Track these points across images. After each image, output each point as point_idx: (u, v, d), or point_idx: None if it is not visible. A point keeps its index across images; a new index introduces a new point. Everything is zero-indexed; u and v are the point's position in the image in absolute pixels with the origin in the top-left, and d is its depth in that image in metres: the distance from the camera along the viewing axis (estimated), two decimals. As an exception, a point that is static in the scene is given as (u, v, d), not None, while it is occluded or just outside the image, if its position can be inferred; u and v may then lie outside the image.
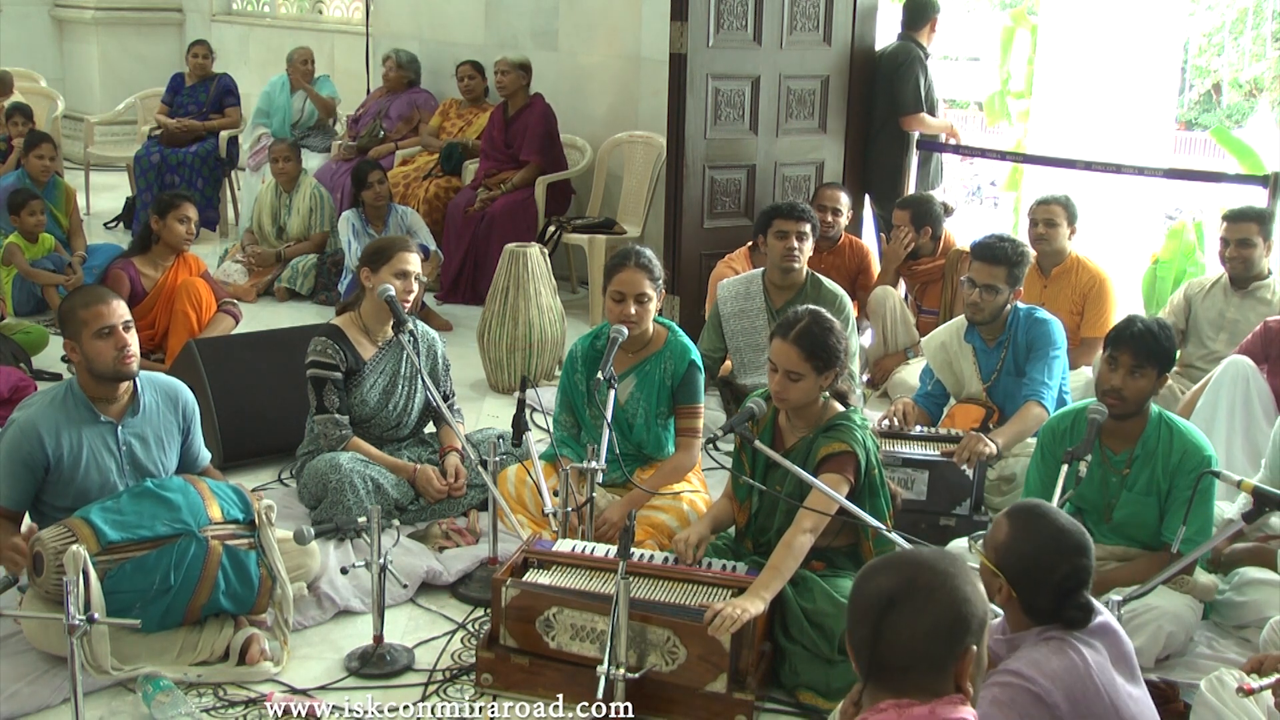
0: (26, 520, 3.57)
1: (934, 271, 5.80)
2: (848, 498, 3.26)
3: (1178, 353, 3.67)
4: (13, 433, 3.44)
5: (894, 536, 3.23)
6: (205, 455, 3.82)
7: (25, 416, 3.47)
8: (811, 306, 3.52)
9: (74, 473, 3.47)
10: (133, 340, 3.47)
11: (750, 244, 5.67)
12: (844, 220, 5.92)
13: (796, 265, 4.92)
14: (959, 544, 3.59)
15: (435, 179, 7.68)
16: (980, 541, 2.61)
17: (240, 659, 3.32)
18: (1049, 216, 5.20)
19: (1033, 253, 4.87)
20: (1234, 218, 4.96)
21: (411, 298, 4.28)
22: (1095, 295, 5.19)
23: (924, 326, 5.61)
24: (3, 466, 3.44)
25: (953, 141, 6.85)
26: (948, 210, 5.93)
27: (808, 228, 4.92)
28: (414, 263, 4.26)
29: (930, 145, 6.73)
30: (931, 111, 6.55)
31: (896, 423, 4.47)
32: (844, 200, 5.92)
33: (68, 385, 3.53)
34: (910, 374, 5.42)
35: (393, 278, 4.17)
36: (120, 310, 3.47)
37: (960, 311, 4.64)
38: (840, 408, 3.49)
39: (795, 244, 4.89)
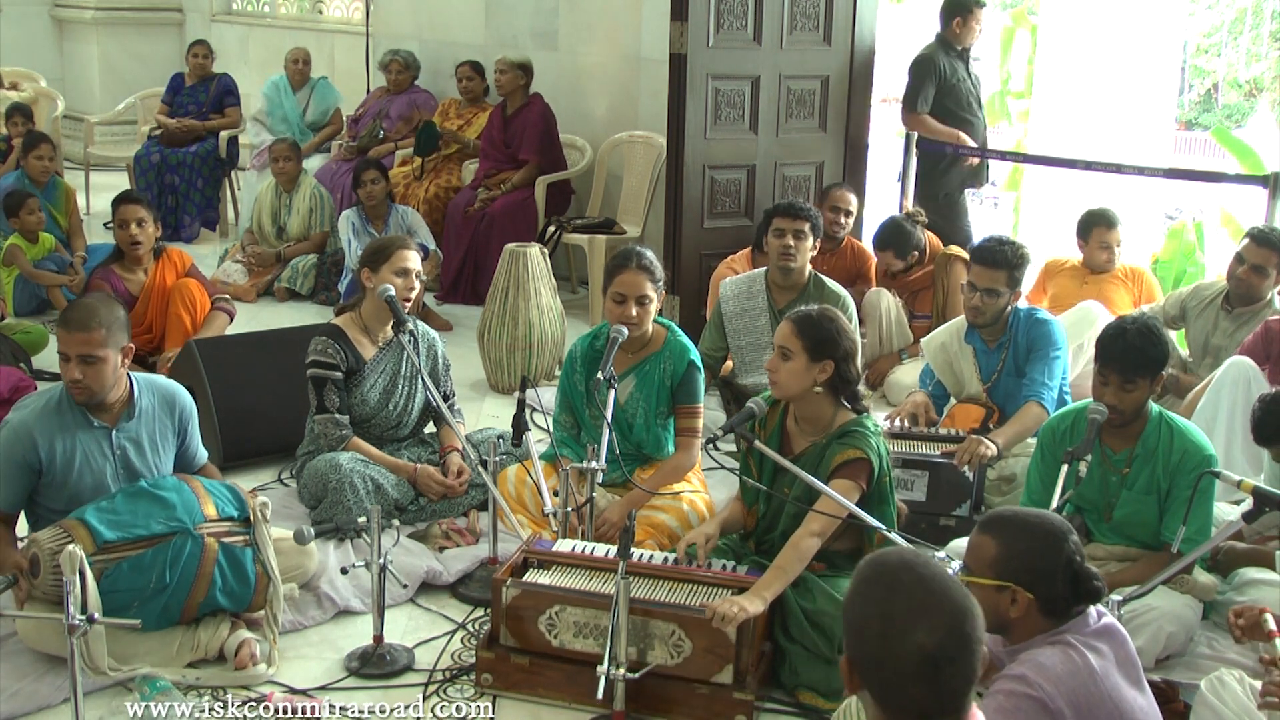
0: (22, 523, 3.56)
1: (923, 279, 5.78)
2: (857, 504, 3.25)
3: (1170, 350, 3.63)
4: (6, 434, 3.44)
5: (894, 537, 3.23)
6: (202, 455, 3.81)
7: (19, 418, 3.46)
8: (824, 305, 3.52)
9: (66, 476, 3.45)
10: (91, 374, 3.37)
11: (753, 245, 5.67)
12: (852, 221, 5.93)
13: (793, 264, 4.91)
14: (959, 544, 3.58)
15: (433, 179, 7.68)
16: (961, 571, 2.59)
17: (233, 663, 3.32)
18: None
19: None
20: (1258, 240, 4.79)
21: (413, 295, 4.28)
22: (1144, 287, 5.47)
23: (917, 331, 5.61)
24: None
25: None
26: (916, 219, 5.88)
27: (806, 226, 4.91)
28: (414, 260, 4.26)
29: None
30: (967, 108, 6.44)
31: (907, 423, 4.46)
32: (854, 201, 5.93)
33: (63, 390, 3.50)
34: (907, 374, 5.42)
35: (393, 275, 4.17)
36: (83, 343, 3.35)
37: (953, 313, 4.64)
38: (853, 414, 3.48)
39: (792, 242, 4.89)
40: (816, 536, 3.26)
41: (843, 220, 5.82)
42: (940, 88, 6.42)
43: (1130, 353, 3.42)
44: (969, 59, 6.52)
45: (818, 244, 5.03)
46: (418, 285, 4.32)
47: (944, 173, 6.48)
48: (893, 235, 5.76)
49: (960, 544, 3.56)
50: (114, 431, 3.52)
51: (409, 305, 4.22)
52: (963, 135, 6.65)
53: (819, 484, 3.23)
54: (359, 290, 4.38)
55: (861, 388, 5.01)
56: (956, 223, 6.54)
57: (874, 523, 3.21)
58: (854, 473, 3.32)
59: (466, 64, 7.90)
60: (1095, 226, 5.54)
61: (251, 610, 3.44)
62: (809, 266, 5.00)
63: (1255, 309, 4.82)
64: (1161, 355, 3.49)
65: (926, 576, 1.88)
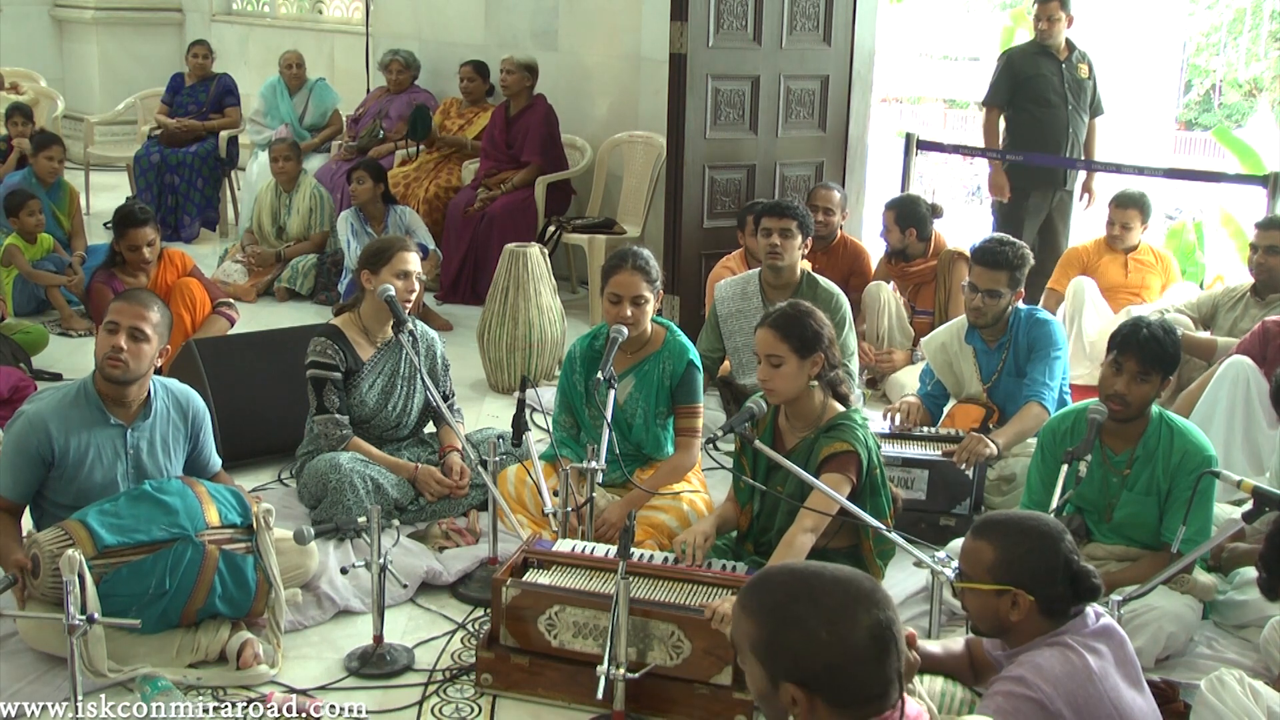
0: (27, 519, 3.57)
1: (926, 273, 5.78)
2: (849, 497, 3.26)
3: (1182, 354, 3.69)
4: (21, 424, 3.45)
5: (894, 537, 3.23)
6: (215, 462, 3.82)
7: (35, 410, 3.47)
8: (792, 300, 3.54)
9: (77, 471, 3.47)
10: (132, 350, 3.43)
11: (744, 249, 5.67)
12: (838, 219, 5.92)
13: (781, 263, 4.92)
14: (959, 544, 3.58)
15: (434, 179, 7.68)
16: (956, 578, 2.60)
17: (236, 664, 3.32)
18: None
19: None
20: (1265, 224, 5.00)
21: (413, 298, 4.28)
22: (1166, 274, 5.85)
23: (918, 328, 5.61)
24: (8, 457, 3.45)
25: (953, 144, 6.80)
26: (937, 212, 5.92)
27: (792, 225, 4.91)
28: (414, 262, 4.26)
29: (931, 146, 6.74)
30: (1044, 104, 6.34)
31: (899, 420, 4.47)
32: (837, 199, 5.92)
33: (82, 384, 3.53)
34: (908, 374, 5.42)
35: (394, 278, 4.17)
36: (136, 316, 3.45)
37: (955, 311, 4.64)
38: (841, 408, 3.49)
39: (779, 241, 4.89)
40: (810, 532, 3.27)
41: (822, 218, 5.80)
42: (1016, 82, 6.39)
43: (1150, 343, 3.44)
44: (1061, 55, 6.36)
45: (808, 243, 5.03)
46: (418, 286, 4.33)
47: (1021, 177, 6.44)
48: (902, 203, 5.82)
49: (960, 544, 3.56)
50: (129, 430, 3.53)
51: (410, 306, 4.22)
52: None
53: (811, 478, 3.24)
54: (359, 290, 4.38)
55: (862, 388, 5.01)
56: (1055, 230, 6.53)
57: (868, 519, 3.21)
58: (842, 465, 3.33)
59: (469, 64, 7.89)
60: (1110, 203, 5.88)
61: (251, 616, 3.44)
62: (800, 265, 5.01)
63: None
64: (1176, 354, 3.52)
65: (818, 570, 1.89)
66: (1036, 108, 6.36)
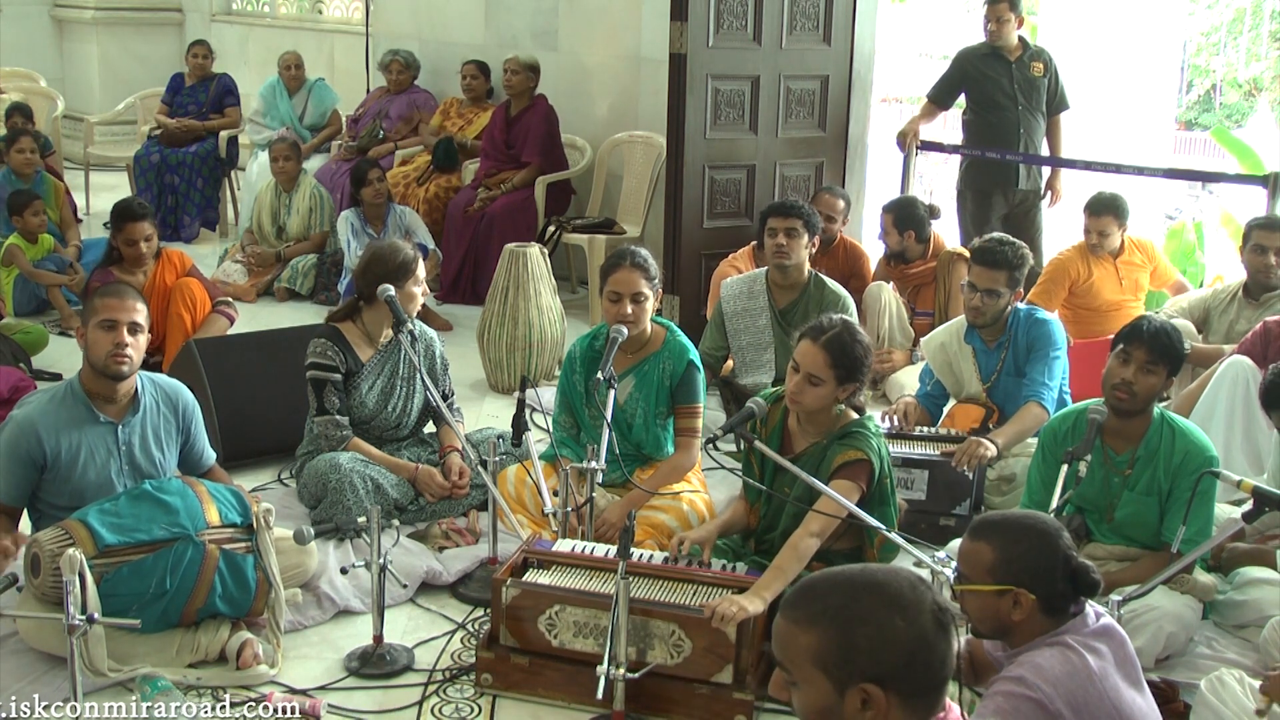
0: (25, 520, 3.57)
1: (925, 274, 5.78)
2: (857, 505, 3.26)
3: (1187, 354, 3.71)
4: (10, 429, 3.46)
5: (894, 537, 3.23)
6: (210, 456, 3.83)
7: (24, 414, 3.48)
8: (844, 317, 3.53)
9: (71, 471, 3.47)
10: (134, 344, 3.47)
11: (755, 244, 5.67)
12: (838, 226, 5.91)
13: (789, 262, 4.92)
14: (959, 544, 3.58)
15: (434, 179, 7.68)
16: (954, 580, 2.60)
17: (236, 664, 3.32)
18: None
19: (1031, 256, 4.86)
20: (1261, 225, 5.01)
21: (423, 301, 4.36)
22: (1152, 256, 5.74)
23: (919, 328, 5.61)
24: (0, 462, 3.45)
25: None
26: (934, 213, 5.90)
27: (799, 224, 4.92)
28: (424, 268, 4.35)
29: (931, 146, 6.74)
30: (992, 107, 6.36)
31: (897, 422, 4.48)
32: (840, 207, 5.91)
33: (68, 384, 3.55)
34: (907, 375, 5.42)
35: (414, 288, 4.23)
36: (132, 310, 3.49)
37: (955, 312, 4.64)
38: (854, 415, 3.49)
39: (785, 240, 4.90)
40: (815, 537, 3.27)
41: (823, 223, 5.79)
42: (966, 83, 6.46)
43: (1159, 334, 3.48)
44: (1012, 56, 6.32)
45: (815, 241, 5.03)
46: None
47: (971, 174, 6.47)
48: (900, 205, 5.81)
49: (959, 544, 3.56)
50: (119, 427, 3.54)
51: (417, 309, 4.29)
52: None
53: (819, 484, 3.24)
54: (356, 300, 4.38)
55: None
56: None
57: (874, 523, 3.21)
58: (855, 474, 3.33)
59: (472, 63, 7.90)
60: (1085, 210, 5.67)
61: (251, 615, 3.44)
62: (808, 265, 5.01)
63: (1277, 294, 4.94)
64: (1182, 353, 3.54)
65: (858, 569, 1.86)
66: (986, 110, 6.38)
